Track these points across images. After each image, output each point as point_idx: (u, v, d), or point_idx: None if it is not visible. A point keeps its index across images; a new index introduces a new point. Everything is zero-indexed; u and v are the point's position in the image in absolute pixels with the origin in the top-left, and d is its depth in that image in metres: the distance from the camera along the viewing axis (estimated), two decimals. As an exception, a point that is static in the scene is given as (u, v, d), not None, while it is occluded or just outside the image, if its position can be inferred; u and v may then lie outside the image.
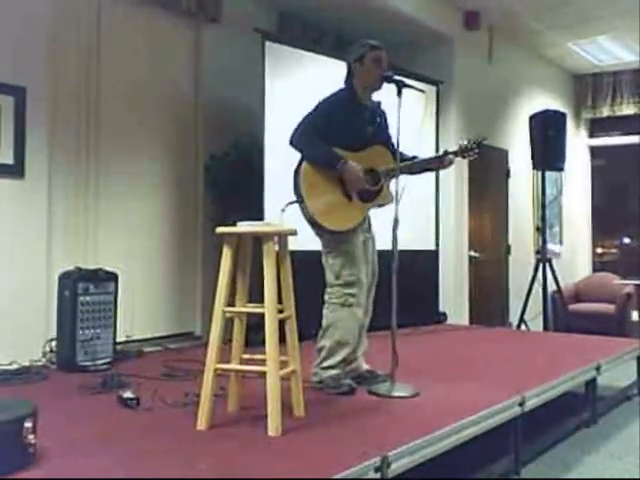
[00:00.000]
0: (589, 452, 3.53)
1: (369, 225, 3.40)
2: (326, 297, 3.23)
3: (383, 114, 3.42)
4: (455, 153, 3.41)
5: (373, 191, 3.26)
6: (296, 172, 3.16)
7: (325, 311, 3.22)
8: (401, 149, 3.21)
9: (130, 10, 4.52)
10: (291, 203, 3.14)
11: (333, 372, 3.16)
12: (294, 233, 2.71)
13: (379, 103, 3.42)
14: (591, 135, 8.91)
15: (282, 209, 3.09)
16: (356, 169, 3.13)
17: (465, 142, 3.45)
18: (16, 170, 3.76)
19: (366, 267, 3.30)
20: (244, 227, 2.63)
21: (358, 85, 3.30)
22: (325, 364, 3.18)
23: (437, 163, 3.45)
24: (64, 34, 4.08)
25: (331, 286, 3.21)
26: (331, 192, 3.15)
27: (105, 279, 3.77)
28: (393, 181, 3.22)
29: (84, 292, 3.65)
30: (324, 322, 3.22)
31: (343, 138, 3.16)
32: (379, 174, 3.26)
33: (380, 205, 3.32)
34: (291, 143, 3.16)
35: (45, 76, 3.92)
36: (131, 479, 2.00)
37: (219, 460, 2.20)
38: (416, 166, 3.40)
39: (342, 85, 3.34)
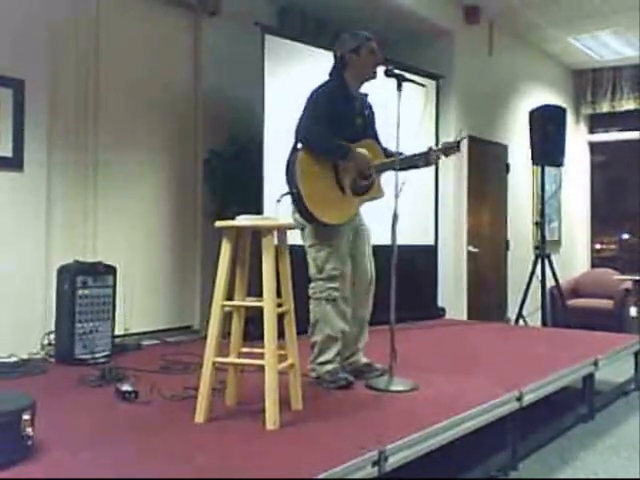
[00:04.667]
0: (586, 447, 3.54)
1: (361, 218, 3.38)
2: (310, 292, 3.21)
3: (370, 106, 3.43)
4: (439, 150, 3.44)
5: (365, 185, 3.26)
6: (290, 162, 3.15)
7: (311, 306, 3.20)
8: (401, 144, 3.20)
9: (129, 4, 4.51)
10: (287, 194, 3.14)
11: (330, 367, 3.16)
12: (293, 227, 2.72)
13: (366, 95, 3.42)
14: (591, 131, 8.90)
15: (278, 200, 3.09)
16: (364, 154, 3.20)
17: (450, 140, 3.51)
18: (15, 163, 3.76)
19: (363, 260, 3.31)
20: (243, 221, 2.63)
21: (350, 76, 3.29)
22: (321, 359, 3.18)
23: (423, 160, 3.43)
24: (64, 27, 4.07)
25: (314, 280, 3.20)
26: (326, 184, 3.16)
27: (104, 272, 3.77)
28: (391, 176, 3.22)
29: (83, 285, 3.65)
30: (312, 317, 3.20)
31: (334, 130, 3.15)
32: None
33: (372, 198, 3.33)
34: (299, 140, 3.15)
35: (44, 69, 3.91)
36: (130, 478, 2.00)
37: (217, 453, 2.20)
38: (404, 162, 3.39)
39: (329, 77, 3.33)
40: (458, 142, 3.45)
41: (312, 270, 3.21)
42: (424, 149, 3.40)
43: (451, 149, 3.44)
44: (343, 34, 3.37)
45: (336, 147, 3.16)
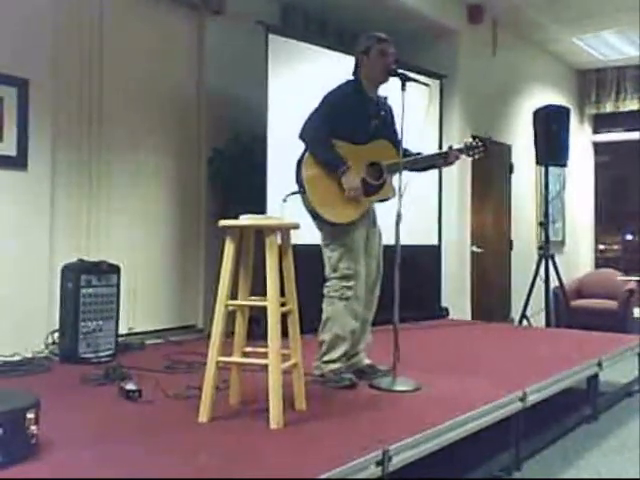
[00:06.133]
0: (590, 448, 3.53)
1: (374, 219, 3.39)
2: (325, 290, 3.23)
3: (389, 109, 3.40)
4: (460, 150, 3.40)
5: (375, 185, 3.25)
6: (299, 162, 3.16)
7: (324, 304, 3.23)
8: (405, 144, 3.19)
9: (133, 3, 4.51)
10: (293, 193, 3.15)
11: (334, 366, 3.16)
12: (297, 227, 2.71)
13: (385, 98, 3.41)
14: (595, 131, 8.88)
15: (283, 199, 3.09)
16: (354, 181, 3.12)
17: (470, 140, 3.44)
18: (19, 162, 3.76)
19: (370, 261, 3.30)
20: (246, 220, 2.63)
21: (364, 77, 3.29)
22: (326, 358, 3.19)
23: (441, 160, 3.42)
24: (67, 27, 4.08)
25: (329, 279, 3.22)
26: (333, 184, 3.15)
27: (108, 271, 3.77)
28: (396, 176, 3.21)
29: (87, 284, 3.65)
30: (324, 315, 3.22)
31: (346, 130, 3.15)
32: (382, 168, 3.25)
33: (382, 200, 3.31)
34: (300, 137, 3.16)
35: (48, 69, 3.91)
36: (134, 477, 2.00)
37: (220, 452, 2.20)
38: (420, 162, 3.38)
39: (349, 77, 3.33)
40: (485, 142, 3.40)
41: (327, 269, 3.22)
42: (439, 148, 3.37)
43: (476, 148, 3.39)
44: (361, 35, 3.36)
45: (330, 158, 3.13)
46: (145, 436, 2.35)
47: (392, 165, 3.23)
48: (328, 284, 3.22)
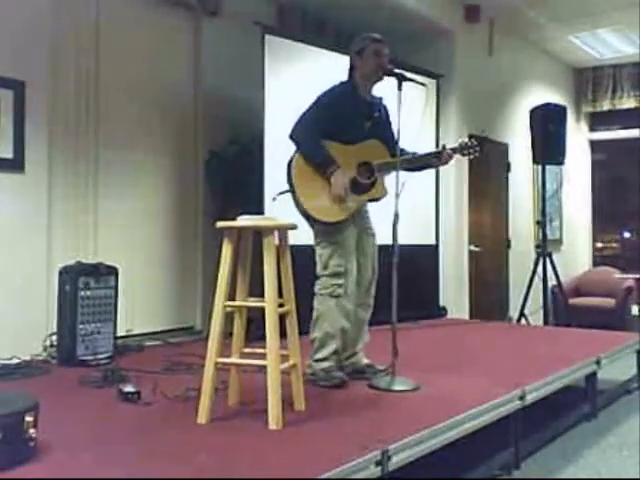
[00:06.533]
0: (589, 446, 3.54)
1: (367, 220, 3.39)
2: (316, 288, 3.23)
3: (384, 110, 3.40)
4: (454, 150, 3.40)
5: (365, 184, 3.25)
6: (290, 163, 3.17)
7: (315, 302, 3.22)
8: (401, 144, 3.19)
9: (129, 4, 4.51)
10: (282, 193, 3.15)
11: (325, 364, 3.16)
12: (294, 227, 2.71)
13: (380, 99, 3.41)
14: (591, 129, 8.90)
15: (273, 198, 3.10)
16: (342, 181, 3.12)
17: (466, 140, 3.45)
18: (16, 164, 3.76)
19: (365, 261, 3.30)
20: (244, 221, 2.63)
21: (358, 78, 3.30)
22: (317, 356, 3.19)
23: (435, 159, 3.42)
24: (64, 28, 4.07)
25: (319, 277, 3.22)
26: (322, 183, 3.15)
27: (105, 273, 3.77)
28: (393, 176, 3.21)
29: (85, 286, 3.65)
30: (314, 313, 3.22)
31: (338, 130, 3.16)
32: (372, 167, 3.26)
33: (373, 199, 3.31)
34: (291, 137, 3.17)
35: (45, 70, 3.91)
36: (133, 479, 2.00)
37: (219, 453, 2.20)
38: (413, 161, 3.37)
39: (344, 78, 3.33)
40: (480, 142, 3.41)
41: (318, 267, 3.23)
42: (435, 148, 3.38)
43: (470, 148, 3.39)
44: (357, 36, 3.37)
45: (320, 158, 3.14)
46: (144, 437, 2.34)
47: (383, 164, 3.24)
48: (319, 282, 3.22)
